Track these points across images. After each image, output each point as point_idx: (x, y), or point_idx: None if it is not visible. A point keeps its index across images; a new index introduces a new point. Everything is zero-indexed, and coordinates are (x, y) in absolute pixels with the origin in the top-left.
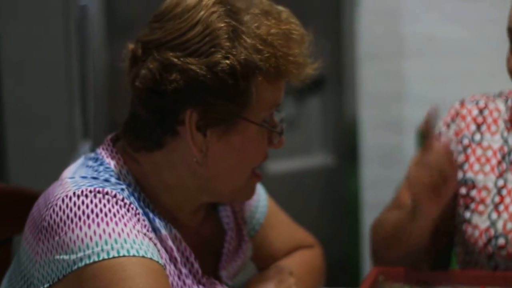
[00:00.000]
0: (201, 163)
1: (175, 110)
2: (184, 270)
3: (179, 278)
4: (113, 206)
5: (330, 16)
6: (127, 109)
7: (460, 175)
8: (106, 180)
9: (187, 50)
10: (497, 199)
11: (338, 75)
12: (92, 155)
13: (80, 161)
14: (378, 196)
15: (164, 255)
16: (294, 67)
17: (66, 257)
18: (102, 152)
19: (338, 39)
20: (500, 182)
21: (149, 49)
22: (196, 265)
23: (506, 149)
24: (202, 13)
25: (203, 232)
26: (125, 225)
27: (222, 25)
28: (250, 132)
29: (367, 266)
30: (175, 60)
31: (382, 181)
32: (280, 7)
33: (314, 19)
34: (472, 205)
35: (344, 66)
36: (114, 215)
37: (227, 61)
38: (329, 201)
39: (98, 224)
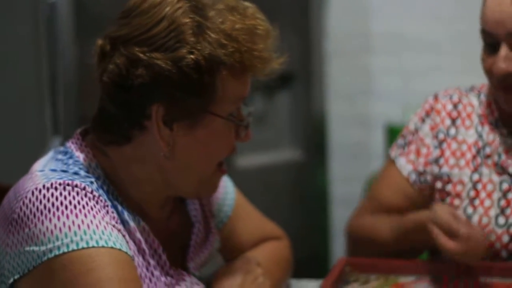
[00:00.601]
0: (168, 157)
1: (142, 105)
2: (152, 262)
3: (147, 269)
4: (82, 199)
5: (299, 13)
6: (96, 105)
7: (435, 169)
8: (76, 173)
9: (153, 45)
10: (472, 193)
11: (306, 71)
12: (62, 148)
13: (49, 154)
14: (346, 190)
15: (133, 246)
16: (259, 61)
17: (36, 248)
18: (71, 146)
19: (306, 36)
20: (475, 177)
21: (117, 45)
22: (164, 257)
23: (480, 143)
24: (167, 9)
25: (171, 225)
26: (94, 217)
27: (187, 20)
28: (216, 125)
29: (335, 258)
30: (141, 55)
31: (350, 175)
32: (246, 3)
33: (283, 16)
34: (448, 199)
35: (312, 63)
36: (83, 207)
37: (192, 56)
38: (298, 195)
39: (67, 216)
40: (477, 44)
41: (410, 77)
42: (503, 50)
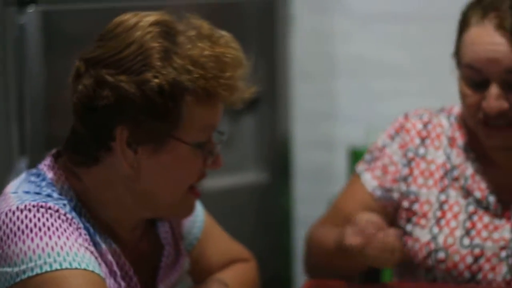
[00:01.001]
0: (133, 180)
1: (108, 126)
2: (123, 284)
3: None
4: (55, 220)
5: (264, 35)
6: (64, 126)
7: (403, 187)
8: (49, 195)
9: (121, 68)
10: (439, 213)
11: (272, 93)
12: (34, 170)
13: (22, 176)
14: (310, 212)
15: (104, 269)
16: (225, 89)
17: (9, 269)
18: (44, 168)
19: (272, 59)
20: (442, 197)
21: (88, 66)
22: (135, 279)
23: (448, 166)
24: (138, 33)
25: (142, 247)
26: (68, 238)
27: (155, 45)
28: (181, 151)
29: (299, 280)
30: (108, 77)
31: (313, 197)
32: (223, 32)
33: (248, 39)
34: (414, 219)
35: (277, 85)
36: (57, 229)
37: (156, 80)
38: (262, 217)
39: (41, 238)
40: (439, 69)
41: (373, 101)
42: (495, 89)
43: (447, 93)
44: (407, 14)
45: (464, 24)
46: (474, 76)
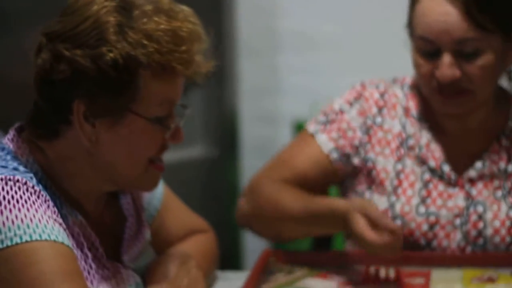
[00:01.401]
0: (92, 152)
1: (65, 100)
2: (89, 255)
3: (85, 262)
4: (24, 193)
5: (210, 12)
6: (10, 104)
7: (362, 153)
8: (15, 169)
9: (77, 42)
10: (395, 182)
11: (218, 69)
12: None
13: None
14: None
15: (71, 240)
16: (180, 63)
17: None
18: (8, 142)
19: (218, 35)
20: (399, 166)
21: (47, 41)
22: (101, 250)
23: (404, 135)
24: (95, 7)
25: (105, 219)
26: (36, 211)
27: (111, 19)
28: (139, 125)
29: (248, 254)
30: (65, 51)
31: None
32: (183, 7)
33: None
34: (373, 186)
35: (224, 61)
36: (26, 201)
37: (111, 54)
38: (210, 191)
39: (10, 211)
40: (380, 44)
41: (316, 75)
42: (447, 57)
43: (389, 65)
44: None
45: None
46: (427, 46)
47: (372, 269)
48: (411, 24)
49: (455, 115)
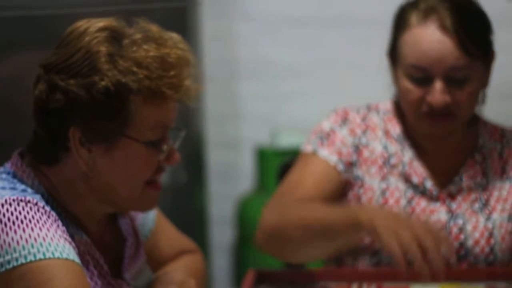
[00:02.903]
0: (91, 176)
1: (62, 128)
2: (95, 272)
3: (91, 279)
4: (35, 213)
5: None
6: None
7: (354, 171)
8: (24, 191)
9: (70, 72)
10: (381, 200)
11: None
12: (2, 169)
13: None
14: (220, 212)
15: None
16: (169, 87)
17: None
18: (12, 166)
19: None
20: (383, 185)
21: (44, 72)
22: (106, 268)
23: (386, 154)
24: (87, 38)
25: (106, 239)
26: (48, 230)
27: (102, 49)
28: (134, 149)
29: (215, 277)
30: (59, 82)
31: (223, 196)
32: (172, 34)
33: None
34: (360, 204)
35: None
36: (37, 221)
37: (103, 83)
38: (177, 217)
39: (23, 230)
40: (339, 70)
41: (276, 101)
42: (439, 84)
43: (348, 93)
44: (304, 18)
45: (402, 25)
46: (418, 74)
47: (354, 286)
48: (396, 52)
49: (439, 136)
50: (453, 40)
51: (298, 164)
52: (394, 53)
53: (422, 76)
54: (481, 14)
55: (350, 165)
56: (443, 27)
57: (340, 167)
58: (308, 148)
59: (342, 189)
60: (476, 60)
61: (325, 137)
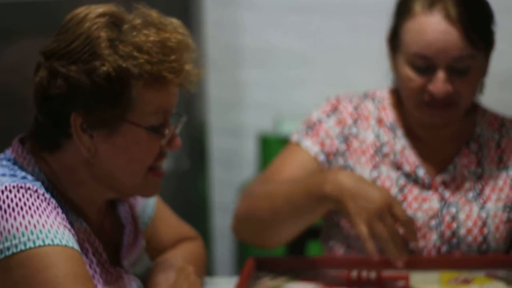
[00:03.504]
0: (93, 163)
1: (63, 114)
2: (94, 260)
3: (90, 267)
4: (35, 200)
5: None
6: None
7: (341, 161)
8: (24, 177)
9: (71, 58)
10: None
11: None
12: (3, 155)
13: None
14: (223, 198)
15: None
16: (170, 72)
17: None
18: (13, 153)
19: None
20: (374, 174)
21: (44, 59)
22: (105, 255)
23: (378, 143)
24: (86, 24)
25: (105, 227)
26: (48, 217)
27: (102, 34)
28: (135, 134)
29: (217, 264)
30: (60, 68)
31: (226, 183)
32: (172, 20)
33: None
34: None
35: None
36: (37, 208)
37: (104, 68)
38: (180, 203)
39: (23, 217)
40: (343, 58)
41: (280, 89)
42: (442, 74)
43: (349, 81)
44: (309, 6)
45: (406, 12)
46: (421, 62)
47: (354, 273)
48: (398, 40)
49: (438, 125)
50: (458, 30)
51: (281, 153)
52: (395, 39)
53: (425, 65)
54: (485, 4)
55: (334, 156)
56: (448, 17)
57: (321, 157)
58: (293, 138)
59: None
60: (479, 51)
61: (311, 128)
